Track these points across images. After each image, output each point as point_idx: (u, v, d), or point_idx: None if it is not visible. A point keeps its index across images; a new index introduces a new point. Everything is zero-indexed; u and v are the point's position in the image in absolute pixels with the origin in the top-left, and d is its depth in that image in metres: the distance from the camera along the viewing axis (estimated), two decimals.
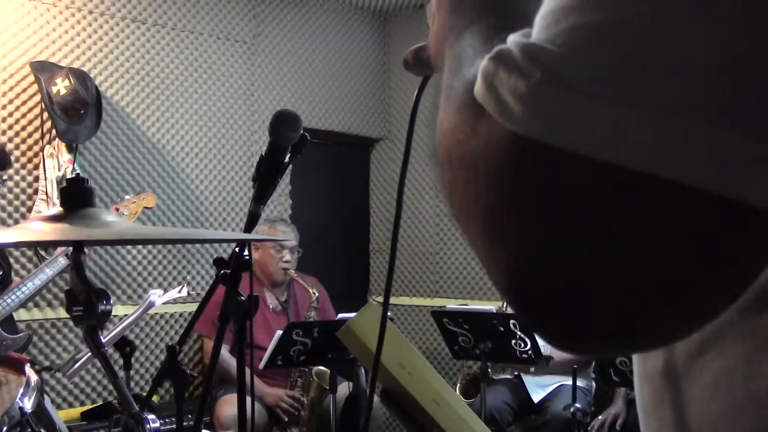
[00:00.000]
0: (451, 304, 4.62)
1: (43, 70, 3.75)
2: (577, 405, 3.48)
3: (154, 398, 3.68)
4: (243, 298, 1.52)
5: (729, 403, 0.44)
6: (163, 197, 4.22)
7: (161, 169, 4.23)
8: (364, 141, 5.44)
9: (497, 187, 0.38)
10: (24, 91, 3.77)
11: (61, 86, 3.67)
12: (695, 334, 0.44)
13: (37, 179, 3.77)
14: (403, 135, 0.85)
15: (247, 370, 1.56)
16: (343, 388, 3.46)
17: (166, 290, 3.42)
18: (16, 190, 3.74)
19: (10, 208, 3.72)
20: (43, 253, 3.61)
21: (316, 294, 3.95)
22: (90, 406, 3.79)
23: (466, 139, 0.40)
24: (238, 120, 4.58)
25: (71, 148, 3.81)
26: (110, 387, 3.88)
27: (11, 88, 3.74)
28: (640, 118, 0.34)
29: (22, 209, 3.74)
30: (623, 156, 0.34)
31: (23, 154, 3.76)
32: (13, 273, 3.30)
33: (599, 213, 0.36)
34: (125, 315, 3.31)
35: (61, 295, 3.71)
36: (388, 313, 0.93)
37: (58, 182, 3.71)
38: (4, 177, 3.16)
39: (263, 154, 1.60)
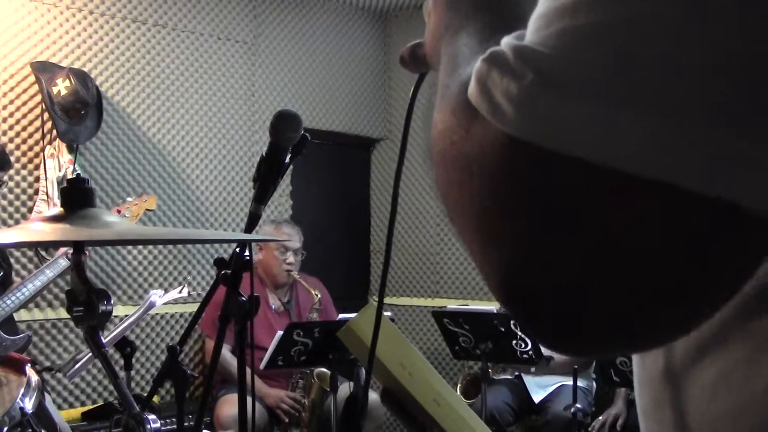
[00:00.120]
0: (452, 305, 4.62)
1: (44, 70, 3.75)
2: (578, 405, 3.48)
3: (155, 398, 3.68)
4: (244, 298, 1.52)
5: (729, 404, 0.44)
6: (163, 197, 4.22)
7: (162, 170, 4.23)
8: (365, 141, 5.45)
9: (491, 188, 0.38)
10: (25, 91, 3.78)
11: (62, 86, 3.67)
12: (694, 336, 0.44)
13: (37, 180, 3.77)
14: (406, 138, 0.85)
15: (248, 371, 1.56)
16: (345, 389, 3.46)
17: (166, 291, 3.41)
18: (17, 191, 3.74)
19: (10, 209, 3.72)
20: (43, 253, 3.61)
21: (319, 296, 3.95)
22: (91, 407, 3.79)
23: (461, 140, 0.40)
24: (239, 120, 4.58)
25: (72, 149, 3.81)
26: (111, 387, 3.88)
27: (12, 89, 3.75)
28: (632, 120, 0.34)
29: (23, 210, 3.74)
30: (615, 158, 0.34)
31: (24, 154, 3.76)
32: (13, 273, 3.30)
33: (592, 215, 0.36)
34: (126, 315, 3.31)
35: (62, 296, 3.71)
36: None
37: (59, 183, 3.71)
38: (4, 178, 3.16)
39: (264, 154, 1.60)
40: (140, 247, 4.10)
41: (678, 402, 0.48)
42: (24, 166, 3.76)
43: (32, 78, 3.77)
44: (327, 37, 5.07)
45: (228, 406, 3.60)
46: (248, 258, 1.54)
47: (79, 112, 3.71)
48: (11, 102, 3.75)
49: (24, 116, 3.78)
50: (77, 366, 2.94)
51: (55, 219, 1.18)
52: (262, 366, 3.12)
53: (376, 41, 5.38)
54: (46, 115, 3.75)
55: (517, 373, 4.10)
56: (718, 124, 0.34)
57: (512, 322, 3.30)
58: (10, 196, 3.71)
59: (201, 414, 1.68)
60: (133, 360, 2.29)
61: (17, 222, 3.72)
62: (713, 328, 0.44)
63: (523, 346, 3.38)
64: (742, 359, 0.43)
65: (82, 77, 3.74)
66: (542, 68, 0.36)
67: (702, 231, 0.35)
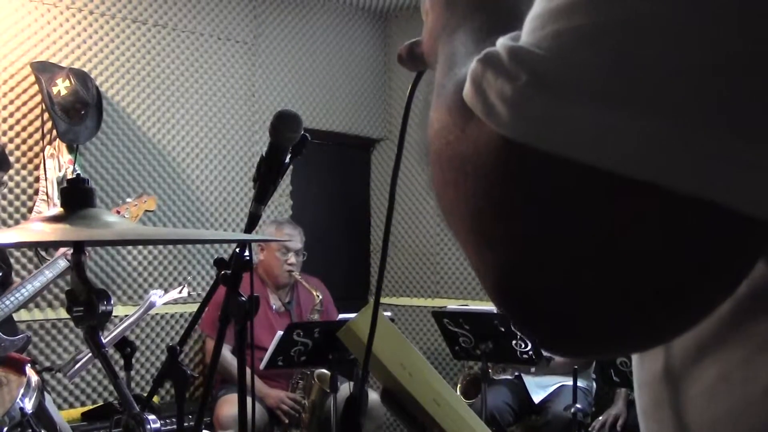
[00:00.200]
0: (452, 305, 4.62)
1: (44, 70, 3.75)
2: (578, 405, 3.48)
3: (155, 399, 3.68)
4: (243, 298, 1.52)
5: (728, 405, 0.44)
6: (163, 197, 4.22)
7: (162, 170, 4.23)
8: (365, 141, 5.45)
9: (485, 189, 0.38)
10: (24, 91, 3.78)
11: (62, 87, 3.67)
12: (693, 336, 0.44)
13: (37, 180, 3.77)
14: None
15: (248, 371, 1.56)
16: (345, 389, 3.46)
17: (166, 291, 3.41)
18: (17, 191, 3.74)
19: (10, 209, 3.72)
20: (43, 253, 3.61)
21: (320, 297, 3.95)
22: (90, 407, 3.79)
23: (456, 141, 0.40)
24: (239, 120, 4.58)
25: (72, 149, 3.81)
26: (111, 387, 3.88)
27: (12, 89, 3.75)
28: (628, 121, 0.34)
29: (23, 210, 3.74)
30: (611, 160, 0.34)
31: (24, 154, 3.76)
32: (13, 274, 3.30)
33: (587, 217, 0.35)
34: (126, 315, 3.31)
35: (62, 296, 3.71)
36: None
37: (59, 183, 3.71)
38: (4, 178, 3.16)
39: (264, 154, 1.60)
40: (140, 247, 4.10)
41: (678, 403, 0.48)
42: (24, 166, 3.76)
43: (32, 78, 3.77)
44: (327, 37, 5.07)
45: (228, 406, 3.60)
46: (248, 258, 1.54)
47: (79, 112, 3.71)
48: (11, 102, 3.75)
49: (24, 116, 3.78)
50: (77, 366, 2.94)
51: (55, 219, 1.18)
52: (262, 366, 3.12)
53: (376, 41, 5.38)
54: (46, 115, 3.75)
55: (517, 374, 4.10)
56: (717, 125, 0.34)
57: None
58: (10, 196, 3.71)
59: (201, 414, 1.68)
60: (133, 360, 2.28)
61: (17, 222, 3.72)
62: (712, 329, 0.44)
63: (523, 346, 3.38)
64: (741, 360, 0.43)
65: (82, 77, 3.74)
66: (537, 69, 0.36)
67: (700, 232, 0.35)
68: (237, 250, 1.55)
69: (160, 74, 4.24)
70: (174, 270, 4.27)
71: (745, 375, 0.42)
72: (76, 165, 3.80)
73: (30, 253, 3.70)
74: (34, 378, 2.46)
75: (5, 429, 2.26)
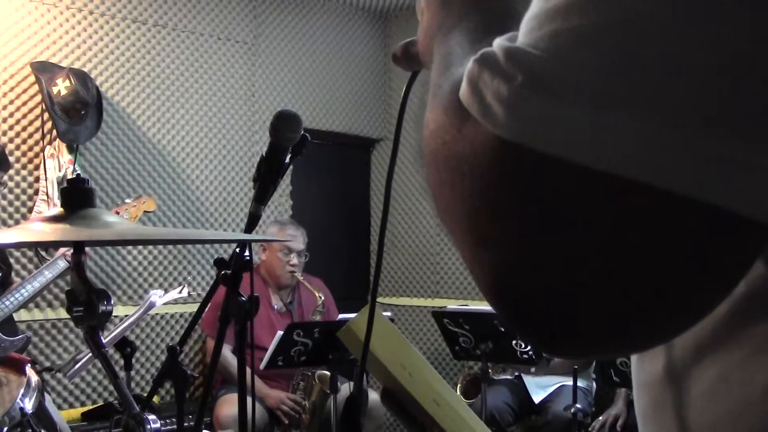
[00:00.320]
0: (452, 305, 4.62)
1: (44, 70, 3.75)
2: (578, 405, 3.48)
3: (155, 399, 3.68)
4: (243, 298, 1.52)
5: (727, 407, 0.43)
6: (163, 198, 4.22)
7: (162, 170, 4.23)
8: (365, 141, 5.45)
9: (481, 189, 0.38)
10: (24, 91, 3.78)
11: (62, 87, 3.67)
12: (692, 337, 0.44)
13: (37, 180, 3.77)
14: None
15: (248, 371, 1.56)
16: (346, 390, 3.46)
17: (166, 291, 3.41)
18: (17, 191, 3.74)
19: (10, 209, 3.72)
20: (43, 253, 3.61)
21: (322, 298, 3.95)
22: (90, 407, 3.79)
23: (452, 141, 0.40)
24: (239, 120, 4.58)
25: (72, 149, 3.81)
26: (111, 387, 3.88)
27: (12, 89, 3.75)
28: (624, 122, 0.34)
29: (23, 210, 3.74)
30: (607, 161, 0.34)
31: (24, 154, 3.77)
32: (13, 274, 3.30)
33: (585, 218, 0.35)
34: (126, 315, 3.31)
35: (62, 296, 3.71)
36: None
37: (59, 183, 3.71)
38: (4, 178, 3.16)
39: (264, 154, 1.60)
40: (140, 247, 4.10)
41: (677, 404, 0.48)
42: (24, 167, 3.76)
43: (32, 78, 3.77)
44: (327, 37, 5.07)
45: (227, 405, 3.60)
46: (248, 258, 1.54)
47: (79, 112, 3.71)
48: (11, 102, 3.75)
49: (24, 116, 3.78)
50: (77, 366, 2.94)
51: (55, 219, 1.18)
52: (262, 366, 3.12)
53: (376, 41, 5.38)
54: (46, 115, 3.75)
55: (517, 374, 4.09)
56: (717, 126, 0.33)
57: None
58: (10, 196, 3.71)
59: (201, 414, 1.68)
60: (133, 360, 2.29)
61: (17, 222, 3.72)
62: (710, 330, 0.43)
63: (523, 346, 3.38)
64: (740, 360, 0.43)
65: (82, 77, 3.74)
66: (533, 70, 0.36)
67: (699, 232, 0.35)
68: (237, 250, 1.55)
69: (160, 74, 4.24)
70: (174, 270, 4.27)
71: (744, 375, 0.42)
72: (76, 165, 3.80)
73: (30, 253, 3.70)
74: (34, 378, 2.46)
75: (5, 429, 2.26)
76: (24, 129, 3.77)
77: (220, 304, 1.56)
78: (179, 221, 4.30)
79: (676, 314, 0.37)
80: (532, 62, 0.36)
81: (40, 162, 3.75)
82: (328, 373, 3.27)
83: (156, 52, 4.24)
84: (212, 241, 4.13)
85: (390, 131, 5.44)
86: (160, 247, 4.21)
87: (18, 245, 2.79)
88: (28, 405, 2.34)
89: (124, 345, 1.62)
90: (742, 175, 0.33)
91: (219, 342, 1.57)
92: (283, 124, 1.58)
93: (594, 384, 4.07)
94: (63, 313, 3.76)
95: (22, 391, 2.35)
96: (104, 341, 1.24)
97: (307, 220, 4.43)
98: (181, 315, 4.30)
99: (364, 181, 5.52)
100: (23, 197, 3.75)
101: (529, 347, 3.37)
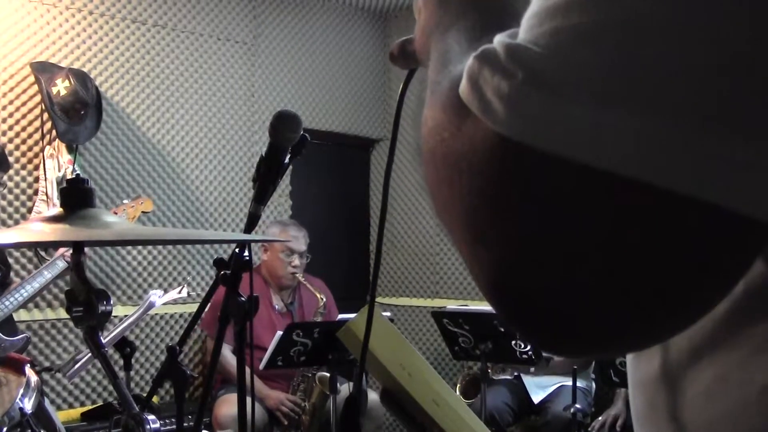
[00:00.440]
0: (452, 305, 4.62)
1: (44, 70, 3.75)
2: (577, 406, 3.48)
3: (154, 399, 3.68)
4: (243, 298, 1.52)
5: (726, 406, 0.43)
6: (163, 198, 4.22)
7: (161, 170, 4.23)
8: (365, 141, 5.45)
9: (481, 187, 0.38)
10: (24, 91, 3.78)
11: (62, 87, 3.67)
12: (689, 338, 0.44)
13: (37, 180, 3.77)
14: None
15: (248, 371, 1.56)
16: (346, 390, 3.46)
17: (166, 291, 3.41)
18: (16, 191, 3.74)
19: (10, 209, 3.72)
20: (43, 253, 3.61)
21: (324, 300, 3.95)
22: (90, 407, 3.79)
23: (451, 138, 0.40)
24: (239, 121, 4.58)
25: (71, 149, 3.81)
26: (110, 387, 3.88)
27: (11, 89, 3.75)
28: (624, 121, 0.34)
29: (23, 210, 3.74)
30: (607, 160, 0.34)
31: (23, 154, 3.76)
32: (13, 274, 3.30)
33: (585, 216, 0.35)
34: (125, 316, 3.31)
35: (62, 296, 3.71)
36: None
37: (59, 183, 3.71)
38: (4, 178, 3.16)
39: (263, 154, 1.60)
40: (140, 247, 4.10)
41: (674, 405, 0.47)
42: (23, 167, 3.76)
43: (32, 78, 3.77)
44: (327, 37, 5.07)
45: (227, 405, 3.60)
46: (248, 258, 1.54)
47: (78, 113, 3.71)
48: (11, 102, 3.75)
49: (23, 116, 3.78)
50: (77, 366, 2.94)
51: (54, 219, 1.18)
52: (261, 366, 3.12)
53: (376, 41, 5.38)
54: (45, 116, 3.75)
55: (516, 374, 4.09)
56: (717, 126, 0.33)
57: None
58: (10, 197, 3.71)
59: (200, 414, 1.68)
60: (133, 360, 2.28)
61: (17, 222, 3.72)
62: (708, 330, 0.43)
63: (523, 346, 3.38)
64: (739, 361, 0.42)
65: (81, 77, 3.74)
66: (534, 67, 0.36)
67: (699, 231, 0.34)
68: (236, 250, 1.55)
69: (159, 74, 4.24)
70: (174, 270, 4.27)
71: (743, 376, 0.42)
72: (75, 165, 3.80)
73: (29, 254, 3.70)
74: (34, 378, 2.46)
75: (5, 429, 2.26)
76: (23, 129, 3.77)
77: (220, 304, 1.56)
78: (179, 221, 4.30)
79: (676, 313, 0.37)
80: (533, 59, 0.36)
81: (40, 162, 3.75)
82: (328, 375, 3.27)
83: (156, 53, 4.24)
84: (212, 242, 4.13)
85: (389, 131, 5.43)
86: (160, 247, 4.21)
87: (17, 245, 2.79)
88: (28, 405, 2.34)
89: (123, 345, 1.62)
90: (742, 174, 0.33)
91: (218, 342, 1.57)
92: (283, 124, 1.58)
93: (593, 384, 4.07)
94: (62, 313, 3.76)
95: (21, 391, 2.35)
96: (104, 341, 1.24)
97: (306, 220, 4.43)
98: (181, 315, 4.30)
99: (364, 182, 5.52)
100: (23, 197, 3.75)
101: (528, 347, 3.37)
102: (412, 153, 4.20)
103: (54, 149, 3.77)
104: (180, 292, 3.41)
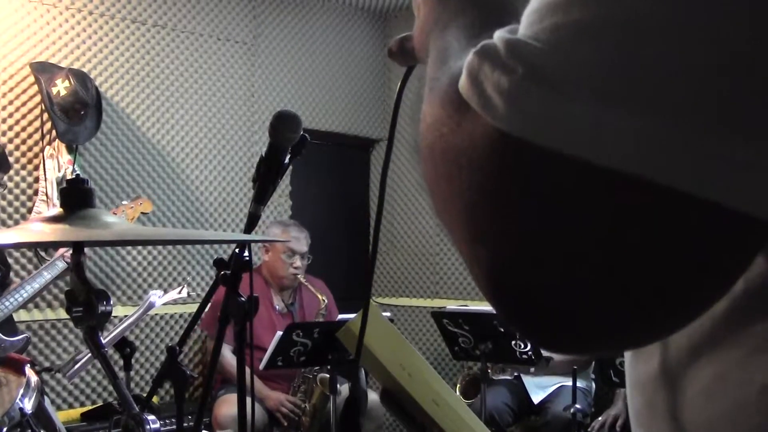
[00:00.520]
0: (451, 305, 4.62)
1: (43, 70, 3.75)
2: (577, 406, 3.48)
3: (154, 399, 3.68)
4: (243, 298, 1.52)
5: (723, 408, 0.43)
6: (163, 198, 4.22)
7: (161, 170, 4.23)
8: (365, 142, 5.45)
9: (480, 182, 0.38)
10: (24, 92, 3.78)
11: (61, 87, 3.67)
12: (688, 337, 0.44)
13: (37, 180, 3.77)
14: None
15: (248, 371, 1.56)
16: (346, 391, 3.45)
17: (166, 291, 3.41)
18: (16, 191, 3.74)
19: (10, 209, 3.72)
20: (43, 254, 3.61)
21: (326, 301, 3.95)
22: (90, 407, 3.79)
23: (450, 133, 0.40)
24: (238, 121, 4.58)
25: (71, 149, 3.81)
26: (110, 388, 3.88)
27: (11, 89, 3.75)
28: (624, 120, 0.34)
29: (22, 210, 3.74)
30: (607, 158, 0.34)
31: (23, 155, 3.76)
32: (12, 274, 3.30)
33: (585, 213, 0.35)
34: (125, 316, 3.31)
35: (61, 296, 3.71)
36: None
37: (58, 183, 3.71)
38: (4, 179, 3.16)
39: (263, 154, 1.60)
40: (140, 247, 4.10)
41: (673, 404, 0.47)
42: (23, 167, 3.76)
43: (32, 78, 3.77)
44: (327, 37, 5.07)
45: (226, 405, 3.59)
46: (247, 259, 1.54)
47: (78, 113, 3.71)
48: (11, 102, 3.75)
49: (23, 117, 3.78)
50: (77, 366, 2.94)
51: (54, 219, 1.18)
52: (261, 366, 3.12)
53: (375, 41, 5.38)
54: (45, 116, 3.74)
55: (516, 374, 4.09)
56: (717, 125, 0.33)
57: None
58: (10, 197, 3.71)
59: (200, 414, 1.68)
60: (133, 360, 2.28)
61: (17, 222, 3.71)
62: (708, 329, 0.43)
63: (523, 346, 3.38)
64: (738, 360, 0.42)
65: (81, 78, 3.74)
66: (534, 63, 0.36)
67: (699, 229, 0.34)
68: (236, 250, 1.55)
69: (159, 74, 4.24)
70: (174, 270, 4.27)
71: (742, 375, 0.42)
72: (75, 165, 3.80)
73: (29, 254, 3.70)
74: (34, 378, 2.45)
75: (5, 429, 2.26)
76: (23, 129, 3.77)
77: (220, 305, 1.56)
78: (179, 222, 4.30)
79: (676, 311, 0.37)
80: (533, 55, 0.36)
81: (40, 162, 3.75)
82: (329, 376, 3.27)
83: (155, 53, 4.24)
84: (212, 242, 4.13)
85: None
86: (160, 247, 4.21)
87: (17, 245, 2.79)
88: (28, 405, 2.34)
89: (123, 345, 1.62)
90: (742, 173, 0.33)
91: (218, 342, 1.57)
92: (283, 124, 1.58)
93: (593, 384, 4.07)
94: (62, 314, 3.75)
95: (21, 391, 2.35)
96: (103, 341, 1.24)
97: (306, 220, 4.43)
98: (181, 315, 4.30)
99: (364, 182, 5.52)
100: (23, 197, 3.75)
101: (528, 347, 3.37)
102: (411, 152, 4.20)
103: (54, 149, 3.77)
104: (180, 293, 3.41)
